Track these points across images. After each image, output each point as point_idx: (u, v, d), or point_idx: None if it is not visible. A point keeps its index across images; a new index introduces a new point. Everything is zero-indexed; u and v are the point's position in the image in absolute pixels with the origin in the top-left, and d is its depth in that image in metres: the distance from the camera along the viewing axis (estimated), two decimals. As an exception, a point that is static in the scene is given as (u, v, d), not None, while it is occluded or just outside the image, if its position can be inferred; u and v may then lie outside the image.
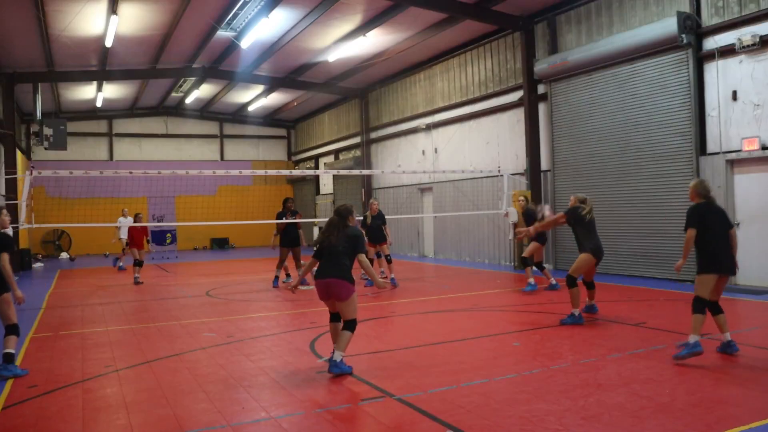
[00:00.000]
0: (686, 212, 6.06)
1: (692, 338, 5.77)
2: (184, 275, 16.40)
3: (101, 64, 18.71)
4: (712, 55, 10.97)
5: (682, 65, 11.38)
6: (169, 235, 24.91)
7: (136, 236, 14.78)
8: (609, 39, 12.65)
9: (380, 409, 4.77)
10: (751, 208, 10.53)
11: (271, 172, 17.75)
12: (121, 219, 16.80)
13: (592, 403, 4.72)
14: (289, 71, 20.89)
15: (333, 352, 5.76)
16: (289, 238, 12.51)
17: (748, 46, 10.26)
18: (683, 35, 10.99)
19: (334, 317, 6.01)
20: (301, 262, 12.61)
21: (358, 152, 23.74)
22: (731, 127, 10.75)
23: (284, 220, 12.48)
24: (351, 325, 5.78)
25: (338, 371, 5.65)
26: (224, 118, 29.04)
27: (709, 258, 5.91)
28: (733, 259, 6.03)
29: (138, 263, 14.42)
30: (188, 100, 25.08)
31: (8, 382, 5.79)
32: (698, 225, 5.91)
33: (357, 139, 23.75)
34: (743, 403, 4.65)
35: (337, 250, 5.83)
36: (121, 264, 17.67)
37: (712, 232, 5.93)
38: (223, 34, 16.35)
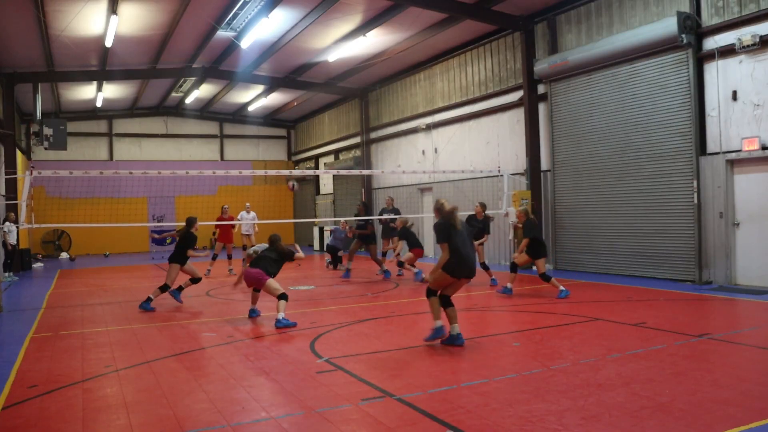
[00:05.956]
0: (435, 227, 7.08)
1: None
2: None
3: (101, 64, 18.70)
4: (712, 55, 10.96)
5: (682, 65, 11.38)
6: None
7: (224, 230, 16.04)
8: (609, 39, 12.65)
9: (380, 409, 4.77)
10: (751, 208, 10.52)
11: (271, 172, 17.73)
12: (243, 213, 16.68)
13: (592, 403, 4.72)
14: (289, 71, 20.88)
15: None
16: None
17: (748, 46, 10.26)
18: (683, 35, 10.98)
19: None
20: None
21: (358, 152, 23.73)
22: (731, 127, 10.74)
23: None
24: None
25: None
26: (224, 118, 29.02)
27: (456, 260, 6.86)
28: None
29: (215, 257, 15.81)
30: (188, 100, 25.07)
31: (8, 382, 5.79)
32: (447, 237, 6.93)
33: (357, 139, 23.74)
34: (743, 403, 4.64)
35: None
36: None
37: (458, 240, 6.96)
38: (223, 34, 16.35)
